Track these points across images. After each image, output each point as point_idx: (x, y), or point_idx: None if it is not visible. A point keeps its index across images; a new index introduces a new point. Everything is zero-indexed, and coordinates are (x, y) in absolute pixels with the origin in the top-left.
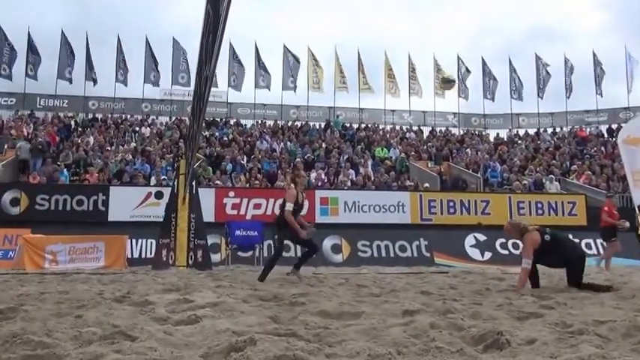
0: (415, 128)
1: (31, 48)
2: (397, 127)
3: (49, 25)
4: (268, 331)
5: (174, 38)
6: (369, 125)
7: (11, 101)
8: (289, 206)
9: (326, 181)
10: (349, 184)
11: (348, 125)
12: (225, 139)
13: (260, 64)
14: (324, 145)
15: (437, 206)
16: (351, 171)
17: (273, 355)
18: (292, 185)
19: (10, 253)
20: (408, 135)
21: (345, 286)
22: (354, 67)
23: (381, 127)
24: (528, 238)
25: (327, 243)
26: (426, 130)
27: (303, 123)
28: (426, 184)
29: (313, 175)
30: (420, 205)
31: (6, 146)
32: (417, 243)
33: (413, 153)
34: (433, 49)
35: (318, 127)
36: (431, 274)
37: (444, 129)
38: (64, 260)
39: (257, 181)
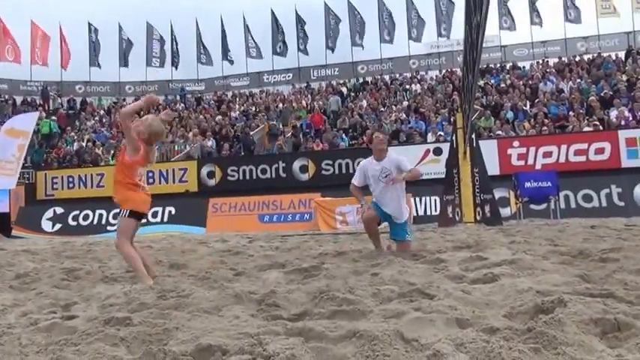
0: None
1: (300, 23)
2: None
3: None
4: (578, 292)
5: None
6: None
7: (289, 76)
8: None
9: (631, 119)
10: None
11: None
12: (503, 85)
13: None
14: (624, 77)
15: None
16: None
17: (589, 318)
18: None
19: (306, 215)
20: None
21: None
22: None
23: None
24: None
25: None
26: None
27: (595, 55)
28: None
29: (614, 113)
30: None
31: (290, 118)
32: None
33: None
34: None
35: (614, 57)
36: None
37: None
38: (353, 220)
39: (545, 127)
